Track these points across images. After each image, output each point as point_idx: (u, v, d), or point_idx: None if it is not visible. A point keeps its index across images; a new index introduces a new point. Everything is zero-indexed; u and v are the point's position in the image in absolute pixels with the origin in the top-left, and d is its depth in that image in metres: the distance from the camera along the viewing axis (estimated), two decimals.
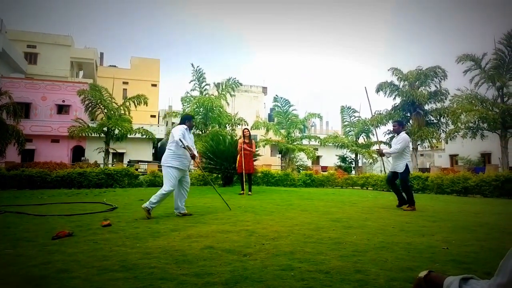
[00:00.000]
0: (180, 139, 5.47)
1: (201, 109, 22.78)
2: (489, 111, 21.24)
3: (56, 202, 7.78)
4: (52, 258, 3.04)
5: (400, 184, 7.20)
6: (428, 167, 30.57)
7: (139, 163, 25.51)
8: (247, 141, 9.84)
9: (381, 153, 7.69)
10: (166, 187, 5.48)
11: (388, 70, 25.51)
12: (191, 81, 24.33)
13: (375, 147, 6.38)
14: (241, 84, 27.01)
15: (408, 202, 7.01)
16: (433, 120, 25.19)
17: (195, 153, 5.78)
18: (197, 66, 24.18)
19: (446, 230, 4.57)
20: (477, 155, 31.99)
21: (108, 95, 23.72)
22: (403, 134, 7.31)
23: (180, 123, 5.96)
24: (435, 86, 24.77)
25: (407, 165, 7.01)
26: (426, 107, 25.04)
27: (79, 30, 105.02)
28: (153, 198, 5.43)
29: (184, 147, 5.50)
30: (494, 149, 27.18)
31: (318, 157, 34.91)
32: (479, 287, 1.33)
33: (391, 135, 26.26)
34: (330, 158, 34.32)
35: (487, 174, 12.18)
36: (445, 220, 5.51)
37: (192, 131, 6.23)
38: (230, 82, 24.90)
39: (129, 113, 24.11)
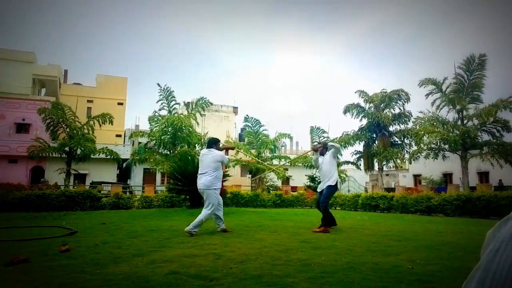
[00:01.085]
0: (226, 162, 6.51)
1: (170, 128, 22.38)
2: (450, 133, 22.11)
3: (11, 226, 7.37)
4: (6, 286, 2.86)
5: (322, 198, 6.75)
6: (393, 186, 31.39)
7: (103, 184, 24.64)
8: None
9: (315, 149, 7.34)
10: (212, 207, 6.11)
11: (355, 92, 26.34)
12: (159, 100, 23.83)
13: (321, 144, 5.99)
14: (211, 104, 26.83)
15: (323, 221, 6.63)
16: (397, 141, 26.02)
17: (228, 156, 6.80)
18: (165, 85, 23.75)
19: (411, 250, 4.65)
20: (439, 175, 33.19)
21: (71, 113, 23.01)
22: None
23: (208, 147, 6.54)
24: (399, 108, 25.79)
25: (337, 182, 6.71)
26: (391, 128, 25.89)
27: (43, 46, 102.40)
28: (197, 221, 5.98)
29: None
30: (455, 169, 28.23)
31: (288, 177, 35.09)
32: None
33: (358, 155, 27.01)
34: (299, 178, 34.57)
35: (449, 193, 12.61)
36: (410, 239, 5.61)
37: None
38: (200, 102, 24.70)
39: (92, 132, 23.38)
